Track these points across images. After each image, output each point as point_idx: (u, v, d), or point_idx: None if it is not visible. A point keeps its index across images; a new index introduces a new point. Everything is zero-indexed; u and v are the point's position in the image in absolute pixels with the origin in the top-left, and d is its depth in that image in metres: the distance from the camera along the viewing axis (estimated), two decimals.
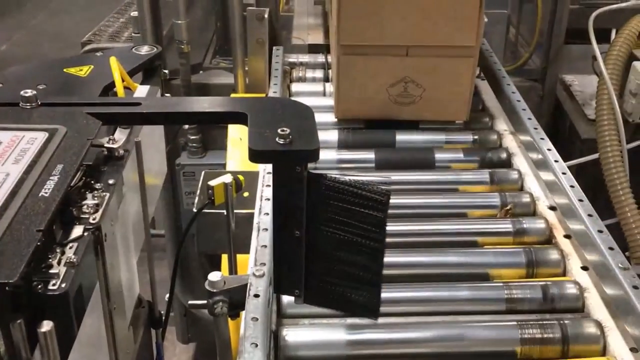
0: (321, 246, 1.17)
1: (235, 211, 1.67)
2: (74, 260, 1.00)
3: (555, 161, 1.83)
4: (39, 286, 0.95)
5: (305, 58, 2.75)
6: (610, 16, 2.89)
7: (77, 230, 1.06)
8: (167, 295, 1.66)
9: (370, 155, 2.08)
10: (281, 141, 1.13)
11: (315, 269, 1.20)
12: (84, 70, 1.52)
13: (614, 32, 2.91)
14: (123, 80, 1.50)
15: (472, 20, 2.06)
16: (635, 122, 2.71)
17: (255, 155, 1.14)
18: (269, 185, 1.70)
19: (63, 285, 0.96)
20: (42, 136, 1.17)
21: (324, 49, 2.82)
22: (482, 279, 1.63)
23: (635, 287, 1.39)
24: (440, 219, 1.82)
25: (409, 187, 1.96)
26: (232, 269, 1.71)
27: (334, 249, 1.16)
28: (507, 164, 2.04)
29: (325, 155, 1.99)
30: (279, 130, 1.14)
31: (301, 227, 1.17)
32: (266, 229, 1.54)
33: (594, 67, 2.85)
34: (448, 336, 1.47)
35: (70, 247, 1.03)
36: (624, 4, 2.97)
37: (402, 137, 2.17)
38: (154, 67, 1.68)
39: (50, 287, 0.96)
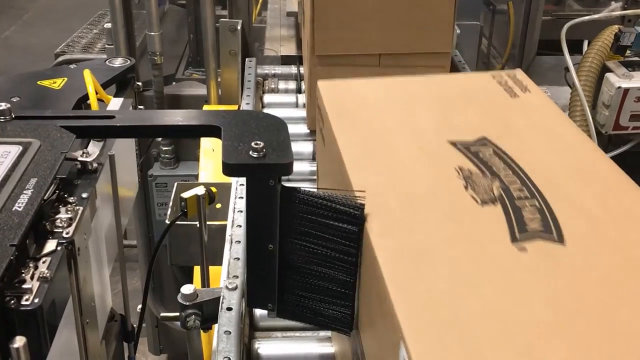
0: (295, 260, 1.18)
1: (207, 223, 1.67)
2: (47, 275, 0.99)
3: None
4: (12, 301, 0.95)
5: (277, 69, 2.76)
6: (582, 28, 2.91)
7: (51, 245, 1.06)
8: (139, 307, 1.66)
9: None
10: (255, 154, 1.14)
11: (288, 282, 1.20)
12: (57, 83, 1.52)
13: (586, 43, 2.94)
14: (97, 93, 1.50)
15: (446, 27, 2.04)
16: (608, 133, 2.73)
17: (229, 169, 1.15)
18: (241, 197, 1.70)
19: (36, 300, 0.95)
20: (15, 150, 1.17)
21: (297, 60, 2.83)
22: None
23: None
24: None
25: None
26: (205, 281, 1.71)
27: (307, 262, 1.16)
28: None
29: (298, 167, 2.00)
30: (252, 144, 1.14)
31: (274, 240, 1.18)
32: (239, 242, 1.54)
33: (566, 78, 2.87)
34: None
35: (44, 262, 1.02)
36: (596, 16, 3.00)
37: None
38: (127, 79, 1.68)
39: (23, 302, 0.95)
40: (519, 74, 1.43)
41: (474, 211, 1.01)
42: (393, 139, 1.21)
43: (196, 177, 2.50)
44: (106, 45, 2.97)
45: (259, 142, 1.14)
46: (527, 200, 1.02)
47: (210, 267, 1.70)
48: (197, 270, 1.89)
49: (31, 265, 1.01)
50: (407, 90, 1.40)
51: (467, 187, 1.06)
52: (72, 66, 1.61)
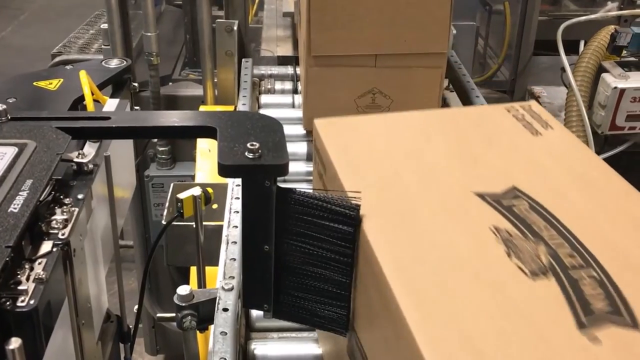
0: (290, 260, 1.18)
1: (204, 223, 1.67)
2: (43, 276, 0.99)
3: None
4: (8, 303, 0.95)
5: (274, 70, 2.75)
6: (579, 28, 2.91)
7: (46, 246, 1.06)
8: (136, 307, 1.66)
9: None
10: (250, 155, 1.14)
11: (284, 283, 1.20)
12: (53, 84, 1.52)
13: (582, 43, 2.94)
14: (93, 94, 1.50)
15: (442, 27, 2.03)
16: (605, 133, 2.73)
17: (225, 170, 1.15)
18: (238, 198, 1.70)
19: (32, 301, 0.96)
20: (11, 151, 1.17)
21: (293, 60, 2.82)
22: None
23: None
24: None
25: None
26: (201, 281, 1.71)
27: (303, 263, 1.16)
28: None
29: (294, 167, 2.00)
30: (248, 145, 1.14)
31: (270, 241, 1.18)
32: (235, 242, 1.54)
33: (562, 78, 2.87)
34: None
35: (39, 263, 1.02)
36: (592, 16, 3.00)
37: None
38: (123, 80, 1.68)
39: (18, 303, 0.95)
40: (535, 106, 1.31)
41: (525, 286, 0.85)
42: (411, 193, 1.07)
43: (192, 177, 2.50)
44: (103, 46, 2.97)
45: (254, 143, 1.14)
46: (582, 270, 0.88)
47: (207, 268, 1.70)
48: (193, 270, 1.89)
49: (27, 266, 1.01)
50: (417, 129, 1.25)
51: (510, 255, 0.90)
52: (68, 67, 1.61)
